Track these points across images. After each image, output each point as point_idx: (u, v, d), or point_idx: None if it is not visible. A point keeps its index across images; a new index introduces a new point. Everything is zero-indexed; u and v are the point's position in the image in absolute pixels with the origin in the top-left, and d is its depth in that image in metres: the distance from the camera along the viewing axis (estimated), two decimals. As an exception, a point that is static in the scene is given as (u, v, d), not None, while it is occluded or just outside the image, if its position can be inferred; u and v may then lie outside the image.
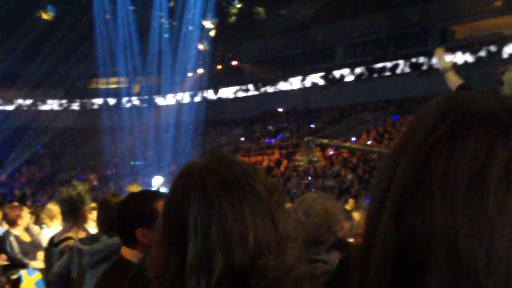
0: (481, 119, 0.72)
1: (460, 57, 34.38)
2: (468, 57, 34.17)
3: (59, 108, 46.65)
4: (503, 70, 5.77)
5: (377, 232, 0.75)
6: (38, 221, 9.32)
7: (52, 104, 46.58)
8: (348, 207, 10.12)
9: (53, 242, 4.75)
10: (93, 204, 7.00)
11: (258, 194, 1.50)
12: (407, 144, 0.75)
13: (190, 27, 38.53)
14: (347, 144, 18.24)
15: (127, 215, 3.08)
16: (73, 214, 4.70)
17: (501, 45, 33.38)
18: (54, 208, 7.39)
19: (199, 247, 1.44)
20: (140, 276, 2.44)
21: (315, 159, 15.26)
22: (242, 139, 39.97)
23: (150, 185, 21.06)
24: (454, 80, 5.98)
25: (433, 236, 0.69)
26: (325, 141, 16.37)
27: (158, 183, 20.18)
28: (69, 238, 4.63)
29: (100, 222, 4.31)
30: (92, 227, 7.19)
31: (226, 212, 1.45)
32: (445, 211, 0.69)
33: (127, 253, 3.05)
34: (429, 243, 0.69)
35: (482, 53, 33.77)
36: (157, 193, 3.37)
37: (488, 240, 0.67)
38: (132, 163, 37.77)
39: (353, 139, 32.14)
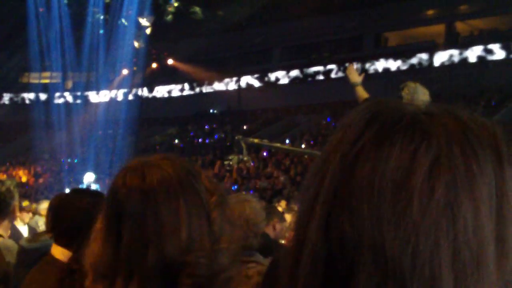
0: (405, 126, 0.74)
1: (393, 64, 35.11)
2: (400, 64, 34.90)
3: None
4: (403, 86, 6.53)
5: (307, 239, 0.76)
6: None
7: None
8: (280, 208, 10.18)
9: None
10: (26, 203, 6.88)
11: (197, 193, 1.52)
12: (334, 150, 0.77)
13: (126, 23, 38.11)
14: (278, 144, 18.28)
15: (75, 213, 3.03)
16: (2, 210, 4.61)
17: (432, 53, 34.23)
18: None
19: (133, 237, 1.45)
20: (69, 276, 2.42)
21: (245, 158, 15.19)
22: (176, 139, 39.76)
23: (81, 182, 20.74)
24: (361, 95, 6.87)
25: (361, 241, 0.70)
26: (256, 140, 16.37)
27: (89, 180, 19.88)
28: (-2, 235, 4.53)
29: (46, 219, 4.25)
30: (20, 225, 7.06)
31: (162, 206, 1.47)
32: (372, 217, 0.70)
33: (58, 252, 3.01)
34: (357, 248, 0.70)
35: (414, 60, 34.54)
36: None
37: (413, 243, 0.68)
38: (63, 160, 37.10)
39: (287, 141, 32.38)
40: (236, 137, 16.63)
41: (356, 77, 7.01)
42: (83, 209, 2.93)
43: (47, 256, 3.15)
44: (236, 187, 27.27)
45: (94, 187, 19.67)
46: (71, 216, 2.97)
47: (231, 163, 16.21)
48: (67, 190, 19.82)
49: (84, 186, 19.59)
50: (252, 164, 28.30)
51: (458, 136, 0.73)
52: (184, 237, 1.46)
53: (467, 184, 0.71)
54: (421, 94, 6.52)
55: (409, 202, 0.69)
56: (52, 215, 3.17)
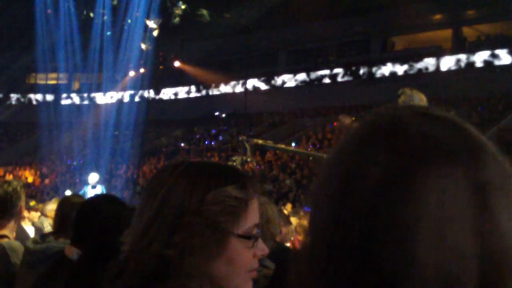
0: (441, 154, 0.75)
1: (399, 68, 35.10)
2: (407, 68, 34.88)
3: (-5, 102, 45.71)
4: (400, 93, 6.85)
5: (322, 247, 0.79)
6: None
7: (-12, 98, 45.63)
8: (286, 211, 10.20)
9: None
10: (33, 203, 6.92)
11: None
12: (353, 181, 0.77)
13: (133, 26, 38.18)
14: (282, 146, 18.26)
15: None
16: (8, 210, 4.63)
17: (438, 57, 34.20)
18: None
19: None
20: (79, 274, 2.45)
21: (249, 159, 15.11)
22: (182, 141, 39.78)
23: (86, 182, 20.76)
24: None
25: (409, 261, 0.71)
26: (260, 141, 16.34)
27: (94, 180, 19.86)
28: (4, 236, 4.56)
29: (54, 221, 4.28)
30: (27, 225, 7.09)
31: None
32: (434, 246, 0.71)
33: (71, 251, 3.04)
34: (403, 266, 0.72)
35: (421, 65, 34.50)
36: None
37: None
38: (69, 161, 37.18)
39: (293, 144, 32.36)
40: (240, 138, 16.57)
41: (348, 120, 7.78)
42: (109, 215, 2.95)
43: (59, 256, 3.18)
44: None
45: (99, 187, 19.67)
46: (96, 222, 2.99)
47: (234, 164, 16.18)
48: (68, 192, 19.85)
49: (89, 187, 19.58)
50: (257, 167, 28.29)
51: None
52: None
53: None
54: (418, 100, 6.69)
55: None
56: (77, 219, 3.18)
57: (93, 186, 19.60)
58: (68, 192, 19.65)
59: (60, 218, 4.17)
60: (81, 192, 19.14)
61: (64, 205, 4.18)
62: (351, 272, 0.74)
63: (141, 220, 1.47)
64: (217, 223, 1.44)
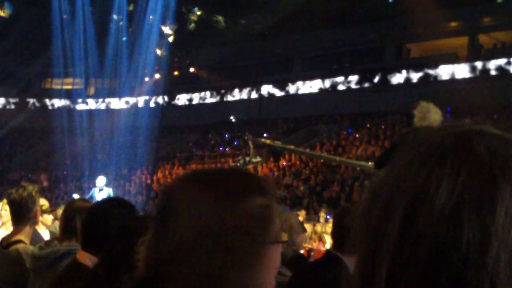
0: None
1: (414, 75, 34.99)
2: (422, 76, 34.77)
3: (12, 107, 45.93)
4: (415, 105, 7.07)
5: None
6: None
7: (4, 102, 45.85)
8: (300, 218, 10.19)
9: (2, 244, 4.67)
10: (45, 206, 6.92)
11: None
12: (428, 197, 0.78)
13: (149, 32, 38.33)
14: (292, 147, 18.24)
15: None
16: (24, 215, 4.64)
17: (454, 65, 34.08)
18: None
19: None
20: (95, 281, 2.45)
21: (253, 159, 14.97)
22: (196, 146, 39.84)
23: (94, 185, 20.91)
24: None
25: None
26: (268, 141, 16.30)
27: (101, 183, 19.98)
28: (20, 241, 4.57)
29: (60, 225, 4.29)
30: (42, 229, 7.10)
31: None
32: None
33: (84, 257, 3.04)
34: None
35: (436, 72, 34.38)
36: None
37: None
38: (83, 166, 37.30)
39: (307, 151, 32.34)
40: (246, 137, 16.50)
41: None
42: (117, 218, 2.95)
43: (71, 261, 3.18)
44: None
45: (106, 190, 19.79)
46: (106, 225, 2.99)
47: (238, 164, 16.11)
48: (76, 196, 19.88)
49: (97, 190, 19.70)
50: (271, 173, 28.27)
51: None
52: None
53: None
54: (434, 113, 6.82)
55: None
56: (86, 222, 3.19)
57: (101, 189, 19.71)
58: (75, 196, 19.70)
59: (64, 221, 4.17)
60: (88, 196, 19.25)
61: (69, 209, 4.19)
62: None
63: (173, 241, 1.45)
64: (253, 236, 1.44)
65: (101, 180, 20.35)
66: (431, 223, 0.74)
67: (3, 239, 4.77)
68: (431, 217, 0.75)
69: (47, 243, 4.16)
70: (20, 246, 4.46)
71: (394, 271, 0.77)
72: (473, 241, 0.72)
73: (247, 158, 15.00)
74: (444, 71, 34.11)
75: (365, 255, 0.83)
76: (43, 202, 6.54)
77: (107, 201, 3.49)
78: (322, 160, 26.77)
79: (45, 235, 7.06)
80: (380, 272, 0.78)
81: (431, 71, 34.49)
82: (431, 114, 6.91)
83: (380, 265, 0.78)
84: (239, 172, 1.61)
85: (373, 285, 0.79)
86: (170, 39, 37.63)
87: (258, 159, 15.33)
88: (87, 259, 2.99)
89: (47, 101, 46.16)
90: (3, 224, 7.33)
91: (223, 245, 1.41)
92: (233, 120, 41.54)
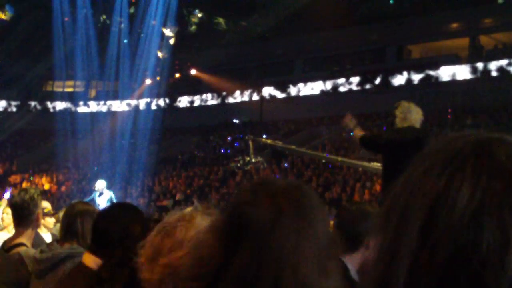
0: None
1: (416, 76, 34.99)
2: (423, 77, 34.76)
3: (13, 109, 45.97)
4: (396, 105, 7.15)
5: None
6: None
7: (6, 105, 45.89)
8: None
9: (4, 247, 4.67)
10: (48, 209, 6.93)
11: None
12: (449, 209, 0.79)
13: (150, 34, 38.33)
14: (293, 147, 18.16)
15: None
16: (26, 218, 4.64)
17: (455, 66, 34.07)
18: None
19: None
20: (99, 284, 2.46)
21: (253, 159, 14.84)
22: (198, 148, 39.82)
23: (94, 189, 20.91)
24: (357, 134, 8.03)
25: None
26: (269, 141, 16.20)
27: (101, 186, 19.96)
28: (22, 244, 4.57)
29: (60, 227, 4.29)
30: (44, 232, 7.11)
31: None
32: None
33: (90, 260, 3.05)
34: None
35: (437, 73, 34.37)
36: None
37: None
38: (85, 168, 37.30)
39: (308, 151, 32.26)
40: (247, 137, 16.39)
41: (352, 125, 8.38)
42: (124, 223, 2.96)
43: (78, 264, 3.19)
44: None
45: (107, 193, 19.78)
46: (113, 229, 3.00)
47: (238, 165, 16.03)
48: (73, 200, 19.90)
49: (97, 193, 19.69)
50: (274, 175, 28.22)
51: None
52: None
53: None
54: (415, 113, 6.87)
55: None
56: (94, 226, 3.20)
57: (101, 193, 19.71)
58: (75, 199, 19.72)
59: (65, 224, 4.18)
60: (88, 199, 19.24)
61: (70, 212, 4.20)
62: None
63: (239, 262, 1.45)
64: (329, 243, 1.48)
65: (100, 184, 20.34)
66: (451, 226, 0.75)
67: (5, 242, 4.77)
68: (451, 221, 0.76)
69: (48, 246, 4.16)
70: (22, 249, 4.46)
71: (413, 275, 0.78)
72: (492, 245, 0.73)
73: (247, 158, 14.88)
74: (445, 72, 34.11)
75: (382, 259, 0.84)
76: (45, 205, 6.54)
77: (116, 205, 3.50)
78: (323, 161, 26.72)
79: (47, 238, 7.06)
80: (398, 276, 0.79)
81: (432, 72, 34.49)
82: (412, 114, 6.97)
83: (398, 269, 0.79)
84: (302, 184, 1.62)
85: (392, 282, 0.80)
86: (171, 41, 37.63)
87: (259, 159, 15.18)
88: (93, 262, 3.00)
89: (49, 104, 46.20)
90: (5, 227, 7.33)
91: (332, 255, 1.45)
92: (236, 122, 41.54)
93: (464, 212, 0.75)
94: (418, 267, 0.77)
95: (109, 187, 21.43)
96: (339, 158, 16.18)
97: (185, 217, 2.00)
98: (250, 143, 14.63)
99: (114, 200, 19.00)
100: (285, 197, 1.49)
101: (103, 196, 19.37)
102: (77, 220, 4.01)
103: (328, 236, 1.52)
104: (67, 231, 4.09)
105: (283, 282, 1.41)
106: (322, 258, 1.46)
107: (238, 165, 16.03)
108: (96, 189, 20.14)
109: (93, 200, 18.82)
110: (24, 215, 4.61)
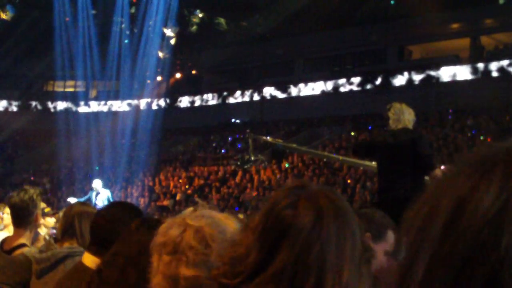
0: None
1: (416, 77, 34.98)
2: (424, 77, 34.75)
3: (14, 109, 45.98)
4: (389, 107, 7.26)
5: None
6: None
7: (6, 105, 45.90)
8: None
9: (4, 248, 4.66)
10: (48, 209, 6.94)
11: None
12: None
13: (151, 34, 38.33)
14: (294, 145, 18.17)
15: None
16: (25, 218, 4.64)
17: (455, 66, 34.06)
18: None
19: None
20: (97, 280, 2.46)
21: (253, 158, 14.81)
22: (199, 149, 39.81)
23: (91, 188, 21.00)
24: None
25: None
26: (270, 139, 16.19)
27: (97, 186, 20.06)
28: (23, 245, 4.57)
29: (59, 227, 4.30)
30: (43, 232, 7.11)
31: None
32: None
33: (89, 260, 3.05)
34: None
35: (438, 74, 34.35)
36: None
37: None
38: (85, 169, 37.31)
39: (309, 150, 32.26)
40: (247, 135, 16.38)
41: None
42: (124, 222, 2.96)
43: (77, 263, 3.20)
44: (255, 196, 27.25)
45: (104, 192, 19.85)
46: (113, 229, 3.00)
47: (238, 163, 16.03)
48: (73, 199, 19.89)
49: (94, 193, 19.76)
50: (274, 176, 28.26)
51: None
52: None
53: None
54: (407, 114, 6.97)
55: None
56: (93, 225, 3.20)
57: (98, 193, 19.78)
58: (71, 200, 19.70)
59: (64, 224, 4.18)
60: (85, 198, 19.29)
61: (68, 212, 4.20)
62: None
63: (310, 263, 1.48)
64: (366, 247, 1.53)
65: (97, 183, 20.41)
66: (473, 223, 0.77)
67: (5, 242, 4.76)
68: (474, 218, 0.77)
69: (47, 246, 4.17)
70: (25, 250, 4.46)
71: (432, 266, 0.80)
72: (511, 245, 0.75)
73: (247, 157, 14.87)
74: (446, 73, 34.09)
75: (405, 256, 0.85)
76: (43, 206, 6.55)
77: (114, 205, 3.51)
78: (324, 159, 26.75)
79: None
80: (418, 265, 0.81)
81: (433, 73, 34.47)
82: (405, 115, 7.08)
83: (419, 259, 0.81)
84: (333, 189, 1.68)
85: (410, 275, 0.82)
86: (172, 41, 37.60)
87: (259, 157, 15.17)
88: (92, 262, 3.01)
89: (50, 104, 46.19)
90: (5, 227, 7.34)
91: (364, 259, 1.49)
92: (236, 123, 41.54)
93: (487, 211, 0.77)
94: (437, 262, 0.79)
95: (108, 186, 21.50)
96: (340, 157, 16.17)
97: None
98: (250, 141, 14.62)
99: (111, 199, 19.09)
100: (324, 200, 1.55)
101: (100, 195, 19.43)
102: (75, 221, 4.02)
103: (362, 239, 1.55)
104: (66, 231, 4.10)
105: (326, 284, 1.45)
106: (359, 262, 1.49)
107: (238, 163, 16.07)
108: (93, 188, 20.22)
109: (89, 200, 18.89)
110: (23, 215, 4.61)
